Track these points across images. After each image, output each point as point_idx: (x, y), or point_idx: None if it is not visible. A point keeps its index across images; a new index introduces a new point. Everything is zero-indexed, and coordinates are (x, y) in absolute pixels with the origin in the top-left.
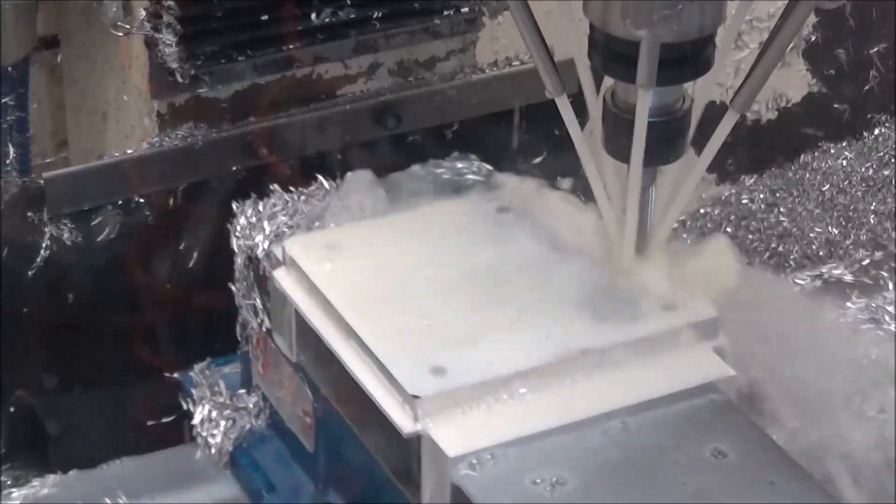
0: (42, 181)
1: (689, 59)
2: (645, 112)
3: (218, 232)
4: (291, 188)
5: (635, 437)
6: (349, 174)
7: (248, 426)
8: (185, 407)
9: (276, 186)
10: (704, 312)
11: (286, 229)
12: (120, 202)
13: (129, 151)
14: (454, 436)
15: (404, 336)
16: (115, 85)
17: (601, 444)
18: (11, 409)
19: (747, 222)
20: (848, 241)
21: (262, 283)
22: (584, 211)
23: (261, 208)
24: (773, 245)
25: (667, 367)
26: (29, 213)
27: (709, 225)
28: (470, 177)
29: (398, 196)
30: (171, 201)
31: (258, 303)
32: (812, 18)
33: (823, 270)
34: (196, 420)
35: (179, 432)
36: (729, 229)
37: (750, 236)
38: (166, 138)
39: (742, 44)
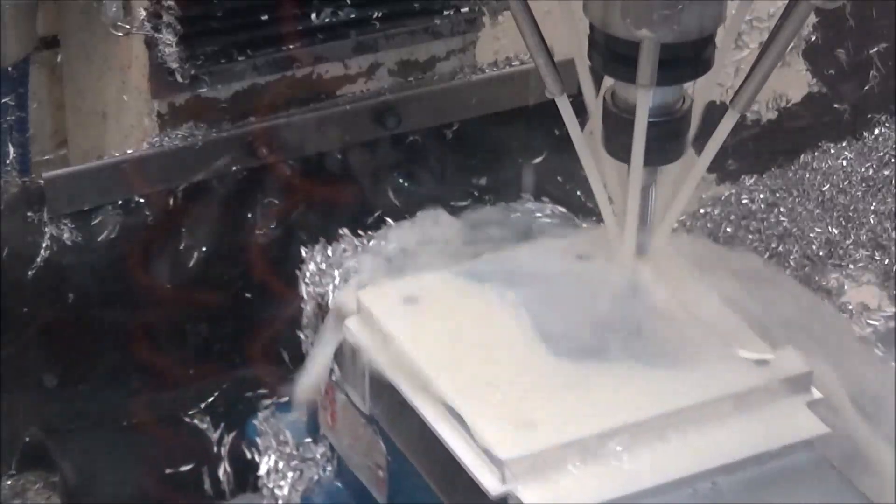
0: (42, 181)
1: (689, 58)
2: (645, 112)
3: (218, 232)
4: (360, 231)
5: (726, 497)
6: (421, 213)
7: (315, 477)
8: (248, 456)
9: (345, 231)
10: (797, 367)
11: (355, 274)
12: (120, 202)
13: (129, 151)
14: (544, 498)
15: (489, 391)
16: (115, 85)
17: None
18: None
19: (747, 222)
20: (848, 241)
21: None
22: (672, 259)
23: (330, 253)
24: (773, 245)
25: (760, 424)
26: (29, 213)
27: (709, 225)
28: (544, 220)
29: (472, 238)
30: (171, 201)
31: None
32: (812, 18)
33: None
34: (262, 471)
35: (180, 431)
36: (729, 229)
37: (750, 236)
38: (166, 138)
39: (742, 44)
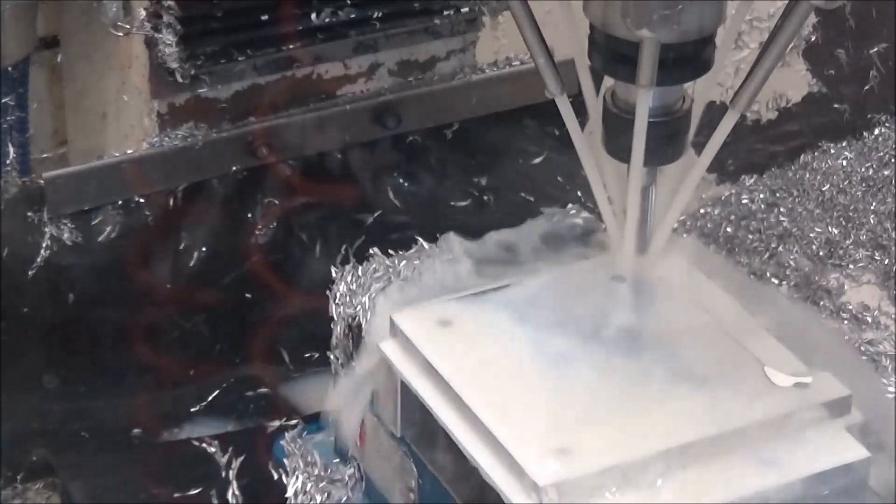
0: (42, 181)
1: (689, 58)
2: (645, 112)
3: (218, 232)
4: (391, 251)
5: None
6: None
7: (343, 499)
8: (276, 477)
9: (375, 250)
10: (836, 390)
11: (384, 296)
12: (120, 202)
13: (129, 151)
14: None
15: (525, 415)
16: (115, 85)
17: None
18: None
19: (747, 222)
20: (848, 241)
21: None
22: (704, 280)
23: (360, 273)
24: (773, 245)
25: (800, 449)
26: (29, 213)
27: (709, 225)
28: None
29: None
30: (171, 201)
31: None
32: (812, 18)
33: None
34: (290, 492)
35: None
36: (729, 229)
37: (750, 236)
38: (166, 138)
39: (742, 44)
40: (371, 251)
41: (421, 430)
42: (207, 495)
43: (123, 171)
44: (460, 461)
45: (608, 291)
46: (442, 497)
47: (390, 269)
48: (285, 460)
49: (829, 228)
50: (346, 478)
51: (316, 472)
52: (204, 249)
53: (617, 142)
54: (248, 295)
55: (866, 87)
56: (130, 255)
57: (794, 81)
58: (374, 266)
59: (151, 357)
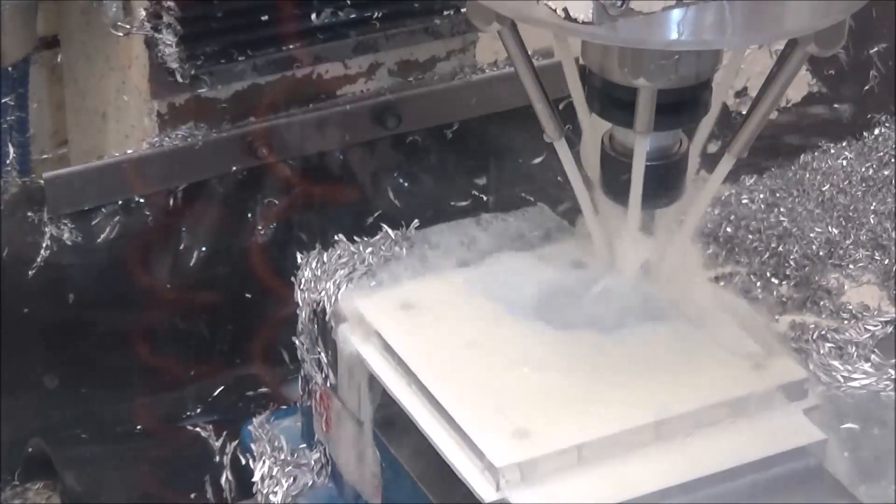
0: (42, 181)
1: (686, 104)
2: (642, 158)
3: (218, 232)
4: (356, 237)
5: (725, 501)
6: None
7: (309, 483)
8: (243, 462)
9: (340, 237)
10: (793, 373)
11: (351, 283)
12: (120, 202)
13: (129, 151)
14: None
15: (484, 398)
16: (115, 85)
17: None
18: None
19: (747, 222)
20: (848, 241)
21: (327, 337)
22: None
23: (325, 259)
24: (773, 245)
25: (757, 431)
26: (29, 213)
27: (709, 225)
28: (537, 230)
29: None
30: (171, 201)
31: (323, 357)
32: None
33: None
34: (256, 477)
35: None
36: (729, 229)
37: (750, 236)
38: (166, 138)
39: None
40: (336, 237)
41: (385, 414)
42: (201, 480)
43: (123, 171)
44: (422, 444)
45: (569, 277)
46: (405, 481)
47: (355, 256)
48: (252, 445)
49: (829, 228)
50: (313, 462)
51: (282, 456)
52: (204, 249)
53: (615, 184)
54: (247, 295)
55: (866, 87)
56: (130, 255)
57: (794, 81)
58: (338, 252)
59: (151, 357)
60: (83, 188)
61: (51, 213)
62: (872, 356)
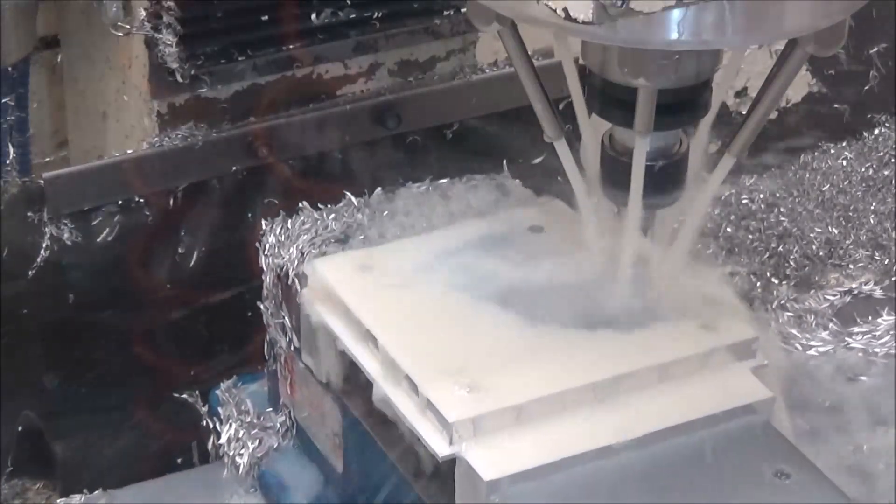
0: (42, 181)
1: (686, 104)
2: (642, 158)
3: (218, 231)
4: (320, 205)
5: (672, 459)
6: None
7: (275, 445)
8: (210, 426)
9: (305, 204)
10: (742, 333)
11: (314, 248)
12: (120, 202)
13: (129, 151)
14: (490, 459)
15: (439, 357)
16: (115, 85)
17: (638, 467)
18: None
19: (747, 222)
20: (848, 241)
21: (291, 301)
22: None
23: (290, 226)
24: (773, 245)
25: (704, 389)
26: (29, 213)
27: (709, 225)
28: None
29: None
30: (171, 201)
31: (287, 321)
32: None
33: (854, 286)
34: (223, 439)
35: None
36: (729, 229)
37: (750, 236)
38: (166, 138)
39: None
40: (300, 204)
41: (345, 374)
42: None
43: (123, 171)
44: (381, 404)
45: (526, 240)
46: (365, 441)
47: (318, 222)
48: (220, 409)
49: (829, 228)
50: (278, 425)
51: (249, 419)
52: (204, 249)
53: (614, 185)
54: (247, 295)
55: (866, 87)
56: (130, 255)
57: (794, 81)
58: (302, 219)
59: (151, 357)
60: (83, 188)
61: (51, 213)
62: (830, 324)
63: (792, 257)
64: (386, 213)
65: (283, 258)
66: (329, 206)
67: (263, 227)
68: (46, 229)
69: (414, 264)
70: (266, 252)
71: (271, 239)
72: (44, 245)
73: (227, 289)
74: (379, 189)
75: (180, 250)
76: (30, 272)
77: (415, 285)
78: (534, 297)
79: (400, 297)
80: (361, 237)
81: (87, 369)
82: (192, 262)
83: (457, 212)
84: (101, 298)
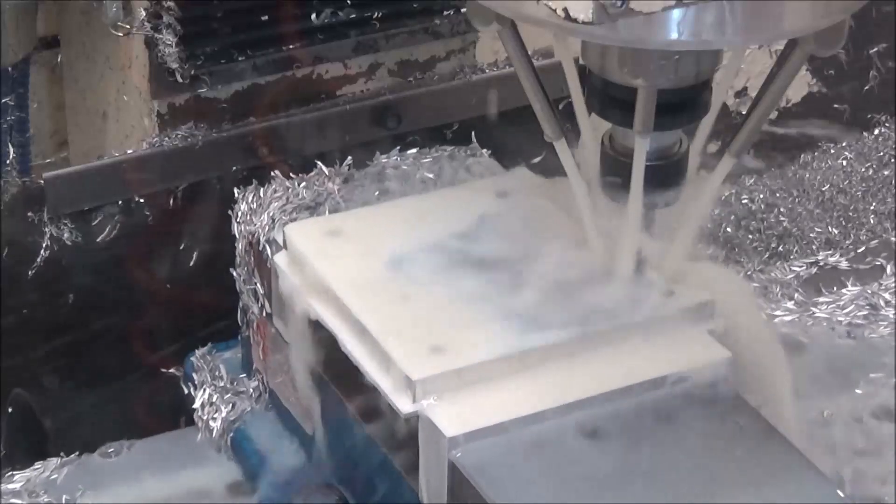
0: (42, 181)
1: (686, 103)
2: (642, 158)
3: (218, 232)
4: (292, 175)
5: (630, 417)
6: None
7: (248, 409)
8: (186, 391)
9: (276, 173)
10: (699, 296)
11: (285, 215)
12: (120, 202)
13: (129, 151)
14: (452, 416)
15: (403, 318)
16: (115, 85)
17: (597, 424)
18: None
19: (747, 222)
20: (848, 241)
21: (263, 267)
22: (584, 199)
23: (261, 194)
24: (773, 245)
25: (662, 350)
26: (29, 213)
27: (709, 225)
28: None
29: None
30: (171, 201)
31: (259, 287)
32: None
33: (819, 258)
34: (197, 404)
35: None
36: (729, 229)
37: (750, 236)
38: (166, 138)
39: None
40: (273, 173)
41: (316, 338)
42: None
43: (123, 171)
44: (347, 364)
45: (492, 207)
46: (334, 402)
47: (290, 190)
48: (194, 375)
49: (829, 228)
50: (251, 390)
51: (222, 384)
52: (204, 249)
53: (615, 185)
54: None
55: (866, 87)
56: (130, 255)
57: (794, 81)
58: (274, 187)
59: (151, 357)
60: (83, 188)
61: (51, 213)
62: (796, 294)
63: (792, 257)
64: (357, 182)
65: (255, 225)
66: (301, 175)
67: (236, 194)
68: (46, 229)
69: (382, 229)
70: (238, 219)
71: (243, 207)
72: (44, 245)
73: (227, 289)
74: (350, 158)
75: (180, 250)
76: (30, 272)
77: (381, 249)
78: (499, 261)
79: (367, 262)
80: (331, 205)
81: (87, 369)
82: (192, 262)
83: (428, 181)
84: (101, 298)
